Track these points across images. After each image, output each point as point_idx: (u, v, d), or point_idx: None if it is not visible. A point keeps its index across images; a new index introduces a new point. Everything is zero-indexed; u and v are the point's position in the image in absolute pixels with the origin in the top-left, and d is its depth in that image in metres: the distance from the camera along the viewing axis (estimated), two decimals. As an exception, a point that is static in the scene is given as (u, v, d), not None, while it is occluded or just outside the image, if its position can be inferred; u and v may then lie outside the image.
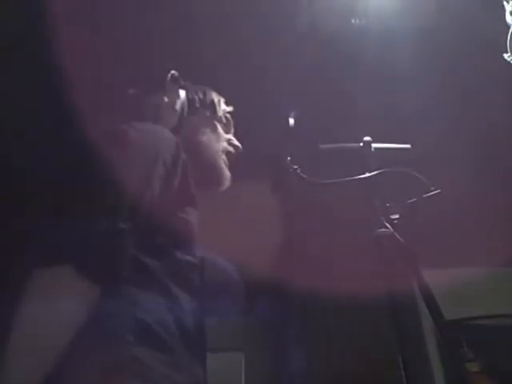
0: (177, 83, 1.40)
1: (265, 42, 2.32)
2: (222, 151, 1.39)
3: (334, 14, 2.27)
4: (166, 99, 1.35)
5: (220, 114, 1.44)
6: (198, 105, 1.42)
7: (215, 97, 1.46)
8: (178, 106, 1.35)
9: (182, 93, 1.40)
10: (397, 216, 1.26)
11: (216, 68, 2.37)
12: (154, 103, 1.35)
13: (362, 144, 1.36)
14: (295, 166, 1.32)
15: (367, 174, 1.30)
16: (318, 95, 2.51)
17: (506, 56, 1.50)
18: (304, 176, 1.33)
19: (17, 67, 2.25)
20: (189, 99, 1.40)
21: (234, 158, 1.42)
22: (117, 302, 0.98)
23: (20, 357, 0.85)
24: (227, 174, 1.39)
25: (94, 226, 0.92)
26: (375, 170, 1.31)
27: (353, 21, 2.24)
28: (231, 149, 1.41)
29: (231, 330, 2.65)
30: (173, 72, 1.41)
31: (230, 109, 1.48)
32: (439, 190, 1.28)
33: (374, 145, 1.36)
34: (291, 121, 1.36)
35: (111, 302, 0.97)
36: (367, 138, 1.36)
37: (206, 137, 1.38)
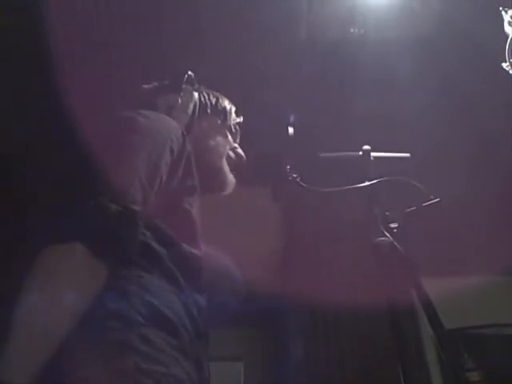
0: (192, 85, 1.41)
1: (264, 50, 2.33)
2: (226, 157, 1.39)
3: (334, 23, 2.28)
4: (179, 101, 1.35)
5: (230, 122, 1.44)
6: (209, 110, 1.41)
7: (227, 104, 1.46)
8: (190, 110, 1.36)
9: (196, 96, 1.40)
10: (396, 225, 1.26)
11: (215, 76, 2.37)
12: (167, 104, 1.35)
13: (361, 153, 1.37)
14: (295, 175, 1.32)
15: (366, 183, 1.30)
16: (317, 103, 2.52)
17: (504, 65, 1.51)
18: (304, 184, 1.33)
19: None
20: (201, 103, 1.40)
21: (235, 166, 1.42)
22: (125, 284, 0.97)
23: (24, 339, 0.84)
24: (231, 178, 1.39)
25: (106, 208, 0.92)
26: (374, 179, 1.31)
27: (352, 30, 2.26)
28: (234, 156, 1.41)
29: (231, 340, 2.63)
30: (190, 73, 1.41)
31: (239, 119, 1.48)
32: (438, 199, 1.29)
33: (373, 154, 1.36)
34: (291, 129, 1.37)
35: (119, 284, 0.97)
36: (366, 147, 1.37)
37: (214, 142, 1.38)
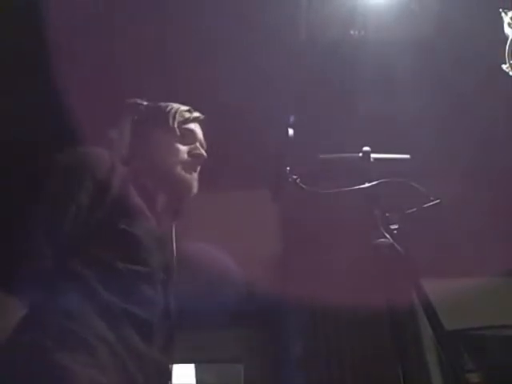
0: (131, 110, 1.44)
1: (265, 53, 2.33)
2: (182, 163, 1.40)
3: (334, 23, 2.28)
4: (114, 131, 1.40)
5: (173, 126, 1.43)
6: (149, 125, 1.44)
7: (171, 109, 1.46)
8: (127, 136, 1.40)
9: (134, 119, 1.44)
10: (396, 226, 1.26)
11: (215, 80, 2.37)
12: (107, 137, 1.40)
13: (361, 154, 1.36)
14: (294, 176, 1.32)
15: (367, 184, 1.30)
16: (317, 105, 2.52)
17: (504, 67, 1.51)
18: (303, 186, 1.33)
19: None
20: (141, 122, 1.43)
21: (198, 166, 1.43)
22: (37, 311, 1.05)
23: None
24: (190, 180, 1.40)
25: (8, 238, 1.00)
26: (375, 180, 1.31)
27: (352, 32, 2.26)
28: (190, 160, 1.42)
29: (230, 341, 2.63)
30: (128, 101, 1.44)
31: (195, 114, 1.47)
32: (439, 200, 1.29)
33: (373, 155, 1.36)
34: (290, 131, 1.37)
35: (32, 311, 1.04)
36: (366, 149, 1.37)
37: (158, 154, 1.40)
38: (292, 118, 1.39)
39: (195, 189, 1.41)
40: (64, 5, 2.14)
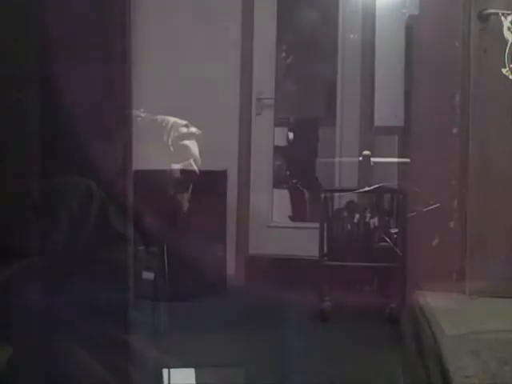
0: (128, 121, 1.42)
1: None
2: (173, 182, 1.40)
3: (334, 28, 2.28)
4: (109, 142, 1.38)
5: (168, 142, 1.43)
6: (144, 139, 1.42)
7: (166, 125, 1.45)
8: (122, 148, 1.39)
9: (130, 132, 1.42)
10: (396, 230, 1.26)
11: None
12: (103, 148, 1.38)
13: (361, 158, 1.37)
14: (294, 180, 1.33)
15: (367, 188, 1.31)
16: (317, 106, 2.52)
17: (504, 71, 1.51)
18: (302, 189, 1.33)
19: None
20: (137, 136, 1.42)
21: (191, 184, 1.42)
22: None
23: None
24: (180, 201, 1.40)
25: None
26: (375, 184, 1.31)
27: (351, 36, 2.26)
28: (183, 178, 1.42)
29: (231, 345, 2.62)
30: (125, 112, 1.43)
31: (192, 130, 1.46)
32: (438, 204, 1.29)
33: (373, 159, 1.36)
34: (290, 134, 1.38)
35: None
36: (366, 152, 1.37)
37: (152, 173, 1.40)
38: (292, 119, 1.40)
39: (185, 209, 1.40)
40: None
